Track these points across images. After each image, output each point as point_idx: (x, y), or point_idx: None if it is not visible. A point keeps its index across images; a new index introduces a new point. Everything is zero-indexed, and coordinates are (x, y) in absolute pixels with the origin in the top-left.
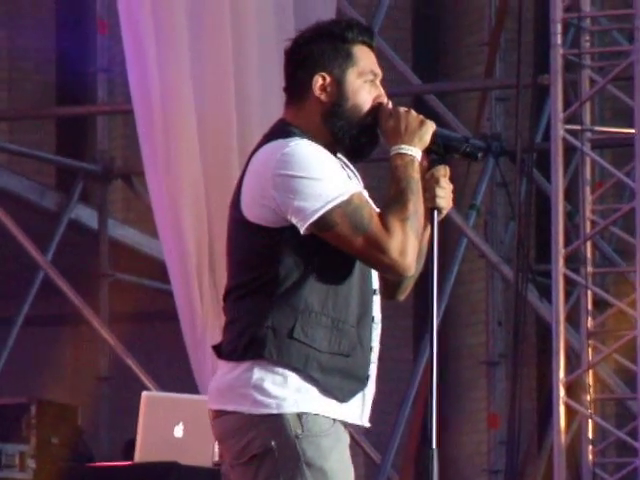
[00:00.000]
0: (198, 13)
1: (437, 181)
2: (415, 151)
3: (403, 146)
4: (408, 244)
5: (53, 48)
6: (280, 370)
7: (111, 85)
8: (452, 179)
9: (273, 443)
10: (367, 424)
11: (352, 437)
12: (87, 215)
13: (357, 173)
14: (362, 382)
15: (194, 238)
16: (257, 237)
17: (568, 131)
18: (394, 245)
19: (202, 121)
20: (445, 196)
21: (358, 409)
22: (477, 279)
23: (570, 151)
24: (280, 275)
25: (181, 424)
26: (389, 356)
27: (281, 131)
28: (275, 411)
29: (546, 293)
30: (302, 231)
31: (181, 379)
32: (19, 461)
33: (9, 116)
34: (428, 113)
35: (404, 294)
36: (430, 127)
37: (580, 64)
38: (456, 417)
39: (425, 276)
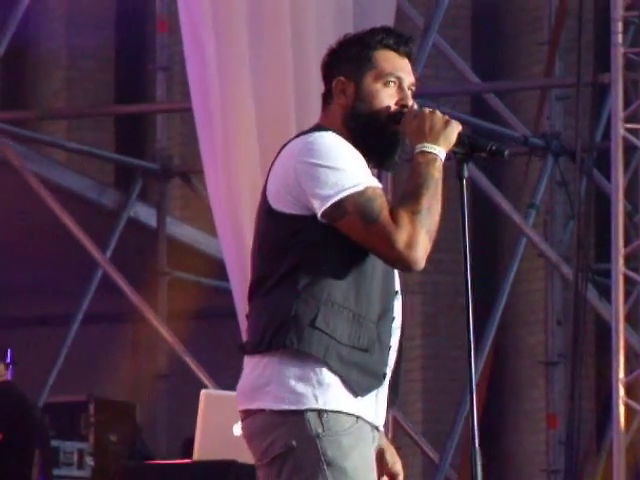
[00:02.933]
0: (257, 11)
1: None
2: (439, 150)
3: (426, 144)
4: (417, 237)
5: (112, 46)
6: (300, 361)
7: (170, 83)
8: (512, 178)
9: (294, 442)
10: (381, 426)
11: (410, 437)
12: (146, 213)
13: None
14: (379, 379)
15: (252, 236)
16: (281, 226)
17: (628, 130)
18: (401, 237)
19: (261, 119)
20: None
21: (372, 407)
22: (536, 278)
23: (630, 150)
24: (302, 264)
25: (240, 422)
26: (447, 355)
27: (311, 129)
28: (294, 407)
29: (605, 292)
30: (319, 218)
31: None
32: (77, 459)
33: (68, 114)
34: (487, 111)
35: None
36: (456, 127)
37: None
38: (515, 416)
39: (484, 277)
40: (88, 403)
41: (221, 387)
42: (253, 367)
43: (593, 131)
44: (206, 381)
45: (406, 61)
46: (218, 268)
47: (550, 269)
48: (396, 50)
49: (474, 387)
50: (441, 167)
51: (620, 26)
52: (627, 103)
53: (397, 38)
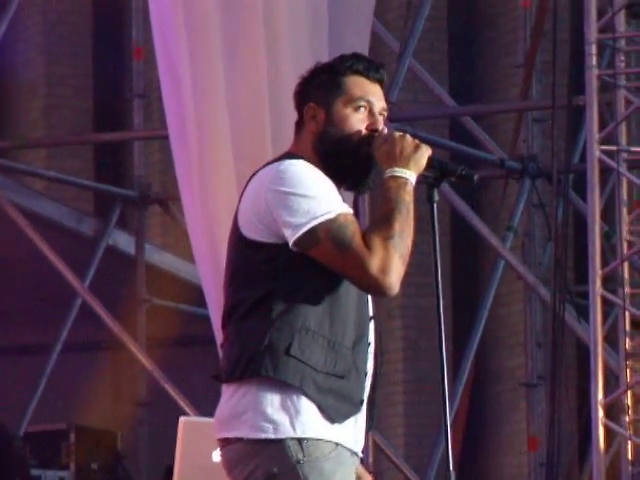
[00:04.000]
0: (233, 40)
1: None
2: (409, 174)
3: (397, 169)
4: (390, 263)
5: (90, 74)
6: (277, 390)
7: (148, 111)
8: (489, 201)
9: (275, 470)
10: (360, 452)
11: (392, 461)
12: (124, 241)
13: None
14: (356, 405)
15: None
16: (253, 254)
17: (604, 152)
18: (375, 263)
19: (238, 147)
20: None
21: (351, 433)
22: (516, 301)
23: (606, 172)
24: (276, 293)
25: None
26: (429, 379)
27: (281, 157)
28: (273, 436)
29: (585, 314)
30: (290, 246)
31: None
32: None
33: (47, 143)
34: (465, 134)
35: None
36: (426, 151)
37: (615, 85)
38: (497, 439)
39: (463, 300)
40: (69, 431)
41: (202, 414)
42: (230, 395)
43: (569, 153)
44: (186, 408)
45: (377, 86)
46: (197, 295)
47: (529, 291)
48: (366, 76)
49: (447, 411)
50: (412, 191)
51: (594, 48)
52: (603, 125)
53: (367, 64)
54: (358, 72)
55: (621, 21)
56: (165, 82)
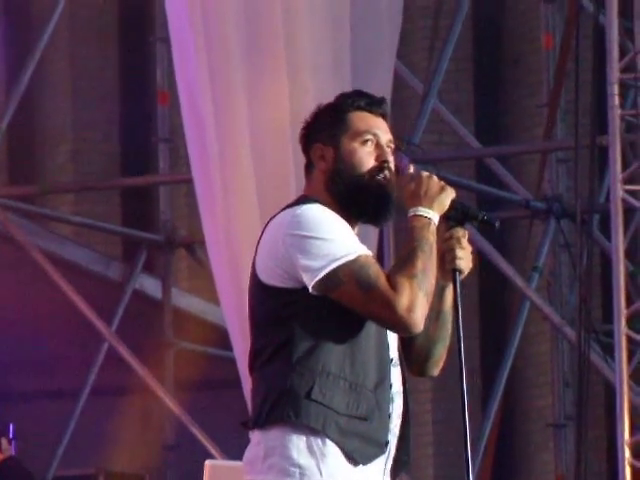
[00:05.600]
0: (255, 82)
1: (457, 241)
2: (433, 214)
3: (421, 208)
4: (416, 301)
5: (117, 119)
6: (302, 434)
7: (174, 155)
8: (515, 242)
9: None
10: None
11: None
12: (151, 285)
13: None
14: (381, 447)
15: None
16: (272, 299)
17: (628, 191)
18: (401, 302)
19: (261, 190)
20: (464, 257)
21: (379, 475)
22: (543, 340)
23: (631, 211)
24: (295, 337)
25: None
26: (458, 419)
27: (297, 201)
28: None
29: (612, 353)
30: (310, 290)
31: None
32: None
33: (74, 188)
34: (489, 176)
35: (437, 367)
36: (450, 193)
37: (638, 125)
38: (525, 479)
39: (491, 340)
40: (97, 476)
41: (228, 457)
42: (257, 441)
43: (593, 193)
44: (213, 451)
45: (381, 120)
46: (223, 338)
47: (555, 331)
48: (369, 110)
49: (469, 451)
50: (434, 231)
51: (616, 88)
52: (626, 165)
53: (369, 99)
54: (361, 108)
55: None
56: (189, 126)
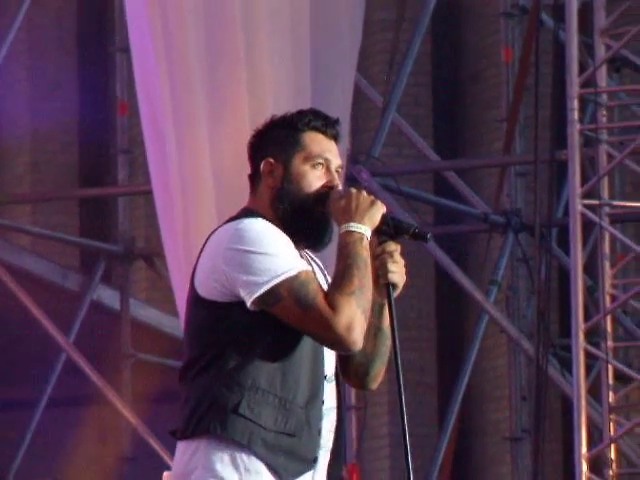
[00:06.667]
0: (216, 96)
1: (389, 256)
2: (364, 229)
3: (352, 224)
4: (354, 319)
5: (75, 130)
6: (227, 447)
7: (133, 166)
8: (473, 255)
9: None
10: None
11: None
12: (109, 296)
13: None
14: (309, 464)
15: None
16: (208, 313)
17: (586, 206)
18: (339, 321)
19: (220, 202)
20: (398, 270)
21: None
22: (501, 354)
23: (590, 226)
24: (227, 351)
25: None
26: (415, 433)
27: (240, 214)
28: None
29: (569, 367)
30: (248, 305)
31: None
32: None
33: (32, 198)
34: (448, 189)
35: (375, 382)
36: (381, 207)
37: (597, 139)
38: None
39: (448, 353)
40: None
41: None
42: (182, 452)
43: (552, 207)
44: (171, 463)
45: (333, 143)
46: (182, 350)
47: (513, 345)
48: (324, 132)
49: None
50: (367, 246)
51: (576, 103)
52: (585, 179)
53: (324, 120)
54: (316, 128)
55: (603, 76)
56: (149, 138)
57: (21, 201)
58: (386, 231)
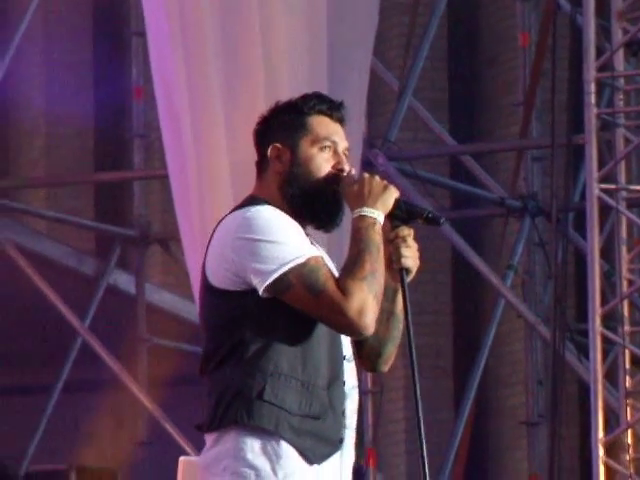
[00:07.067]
0: (233, 80)
1: (402, 240)
2: (377, 214)
3: (365, 209)
4: (366, 304)
5: (91, 114)
6: (255, 436)
7: (149, 151)
8: (490, 240)
9: None
10: None
11: None
12: (125, 280)
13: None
14: (335, 445)
15: None
16: (222, 302)
17: (603, 190)
18: (351, 306)
19: (237, 186)
20: (411, 255)
21: (335, 473)
22: (517, 339)
23: (606, 210)
24: (247, 339)
25: None
26: (431, 418)
27: (246, 202)
28: None
29: (586, 352)
30: (260, 293)
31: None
32: None
33: (47, 182)
34: (466, 173)
35: (387, 365)
36: (393, 192)
37: (614, 123)
38: (498, 477)
39: (465, 338)
40: (69, 471)
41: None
42: (211, 444)
43: (569, 191)
44: (187, 447)
45: (339, 126)
46: (198, 334)
47: (530, 330)
48: (329, 115)
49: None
50: (380, 230)
51: (593, 87)
52: (602, 163)
53: (330, 104)
54: (322, 112)
55: (620, 60)
56: (165, 122)
57: (36, 185)
58: (399, 216)
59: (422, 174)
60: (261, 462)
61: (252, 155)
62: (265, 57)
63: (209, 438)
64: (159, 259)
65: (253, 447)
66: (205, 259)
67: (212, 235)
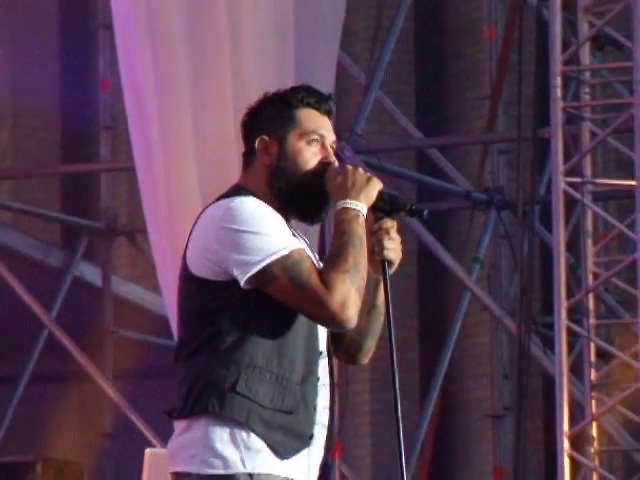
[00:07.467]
0: (198, 70)
1: (385, 232)
2: (361, 206)
3: (349, 201)
4: (349, 297)
5: (58, 106)
6: (226, 426)
7: (116, 142)
8: (455, 233)
9: None
10: None
11: None
12: (91, 272)
13: (305, 238)
14: (305, 441)
15: None
16: (202, 292)
17: (569, 183)
18: (333, 299)
19: (204, 177)
20: (394, 247)
21: (303, 468)
22: (482, 332)
23: (572, 203)
24: (223, 330)
25: None
26: None
27: (231, 191)
28: (223, 471)
29: (551, 345)
30: (242, 284)
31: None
32: None
33: (14, 174)
34: (432, 167)
35: (366, 357)
36: (377, 184)
37: (580, 117)
38: (463, 470)
39: (430, 331)
40: (35, 463)
41: (167, 445)
42: (180, 431)
43: (534, 185)
44: (153, 440)
45: (327, 119)
46: (164, 326)
47: (495, 323)
48: (317, 108)
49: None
50: (363, 223)
51: (559, 80)
52: (568, 157)
53: (318, 97)
54: (310, 105)
55: (586, 54)
56: (132, 114)
57: (2, 177)
58: (382, 208)
59: (388, 167)
60: (230, 452)
61: (218, 147)
62: (232, 46)
63: (178, 425)
64: (125, 251)
65: (222, 437)
66: (186, 247)
67: (195, 224)
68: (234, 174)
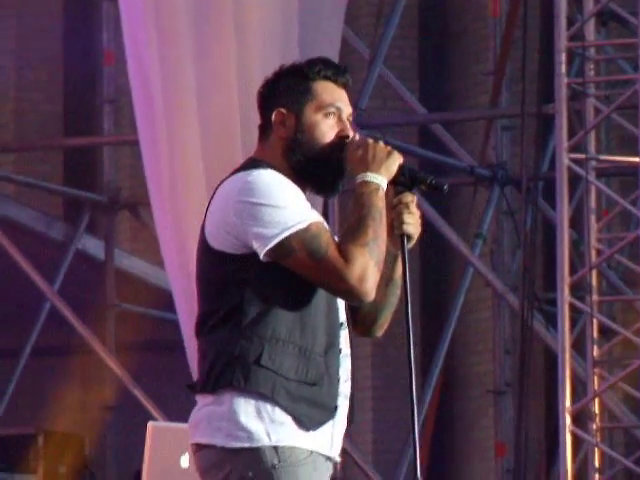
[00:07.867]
0: (204, 46)
1: (405, 207)
2: (381, 180)
3: (369, 174)
4: (367, 270)
5: (61, 79)
6: (251, 399)
7: (118, 116)
8: (458, 208)
9: (250, 474)
10: (337, 458)
11: (361, 467)
12: (94, 245)
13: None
14: (330, 412)
15: None
16: (221, 265)
17: (573, 160)
18: (352, 271)
19: (207, 151)
20: (413, 222)
21: (327, 439)
22: (484, 307)
23: (575, 180)
24: (245, 303)
25: (187, 454)
26: (397, 385)
27: (247, 164)
28: (248, 444)
29: (553, 321)
30: (261, 257)
31: (187, 409)
32: None
33: (16, 147)
34: (435, 142)
35: (381, 330)
36: (397, 158)
37: (584, 93)
38: (465, 445)
39: (432, 307)
40: (37, 435)
41: (170, 419)
42: (204, 404)
43: (538, 161)
44: (154, 413)
45: (344, 92)
46: (166, 300)
47: (498, 299)
48: (334, 81)
49: (416, 419)
50: (383, 196)
51: (564, 56)
52: (572, 133)
53: (335, 69)
54: (327, 77)
55: (591, 30)
56: (136, 88)
57: (5, 150)
58: (402, 182)
59: (392, 142)
60: (255, 425)
61: (222, 120)
62: (236, 23)
63: (202, 399)
64: (128, 225)
65: (247, 410)
66: (205, 221)
67: (212, 197)
68: (238, 150)
